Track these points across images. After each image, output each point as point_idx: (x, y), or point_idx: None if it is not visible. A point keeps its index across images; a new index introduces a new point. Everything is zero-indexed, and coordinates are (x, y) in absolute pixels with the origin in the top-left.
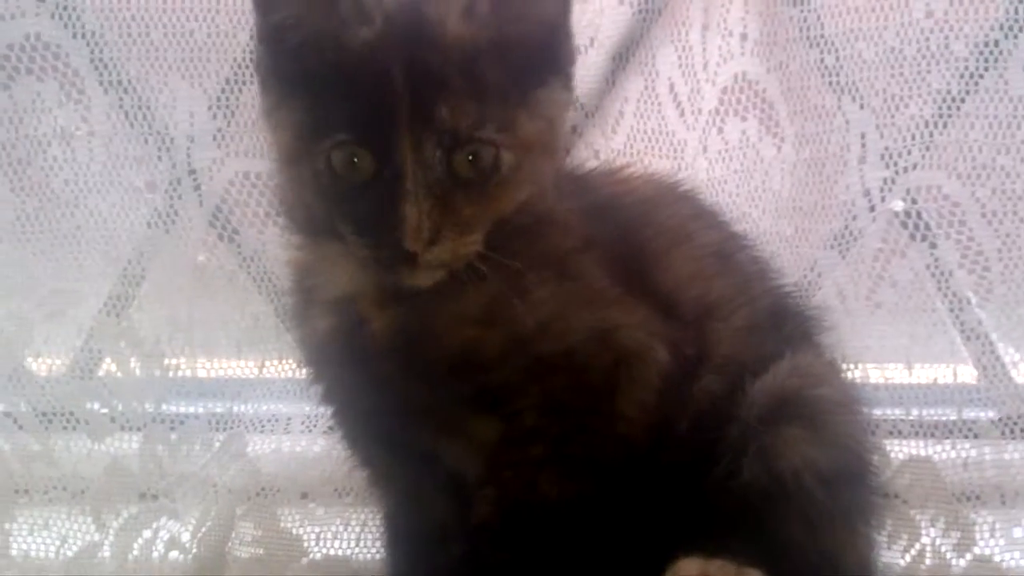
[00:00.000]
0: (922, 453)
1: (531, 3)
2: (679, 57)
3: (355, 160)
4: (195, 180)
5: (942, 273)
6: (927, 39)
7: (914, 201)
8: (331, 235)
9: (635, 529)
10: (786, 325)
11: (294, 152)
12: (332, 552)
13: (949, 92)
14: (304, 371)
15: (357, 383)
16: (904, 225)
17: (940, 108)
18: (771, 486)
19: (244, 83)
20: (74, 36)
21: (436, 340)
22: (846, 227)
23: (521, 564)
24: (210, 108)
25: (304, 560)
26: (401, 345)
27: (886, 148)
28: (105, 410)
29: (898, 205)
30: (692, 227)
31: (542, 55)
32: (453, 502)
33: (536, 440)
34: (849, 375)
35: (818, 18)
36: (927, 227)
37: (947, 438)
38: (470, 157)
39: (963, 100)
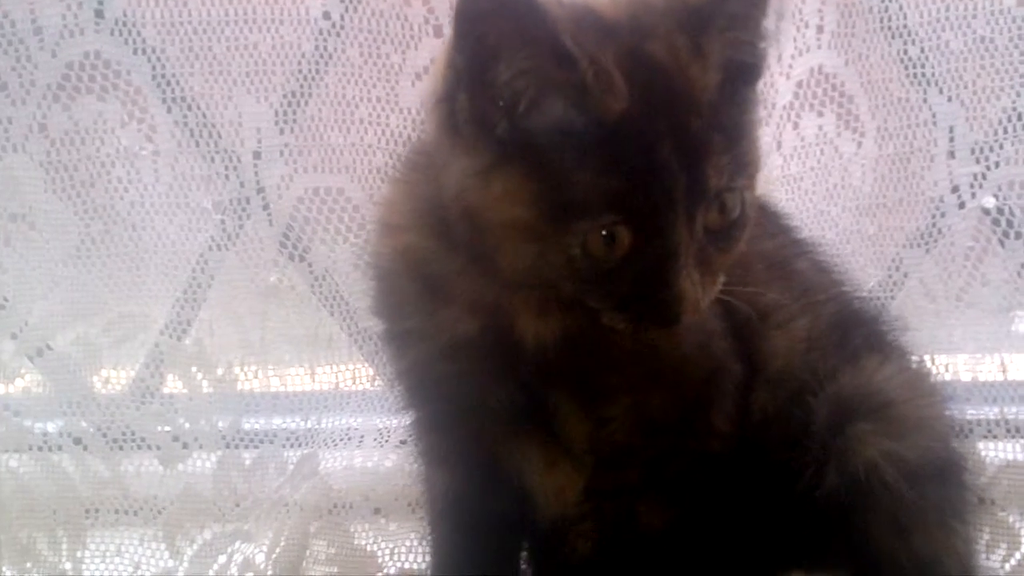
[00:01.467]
0: (1019, 458)
1: (750, 21)
2: None
3: (613, 238)
4: (264, 199)
5: None
6: (1019, 27)
7: (1006, 197)
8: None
9: (730, 553)
10: (854, 338)
11: (531, 231)
12: (407, 566)
13: None
14: (406, 368)
15: (481, 392)
16: (996, 222)
17: None
18: (848, 487)
19: (310, 95)
20: (135, 52)
21: (602, 355)
22: (933, 224)
23: None
24: (276, 123)
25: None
26: (564, 358)
27: (976, 142)
28: (176, 434)
29: (989, 201)
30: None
31: (751, 71)
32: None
33: (631, 463)
34: (936, 373)
35: (900, 8)
36: (1021, 224)
37: None
38: (718, 208)
39: None
